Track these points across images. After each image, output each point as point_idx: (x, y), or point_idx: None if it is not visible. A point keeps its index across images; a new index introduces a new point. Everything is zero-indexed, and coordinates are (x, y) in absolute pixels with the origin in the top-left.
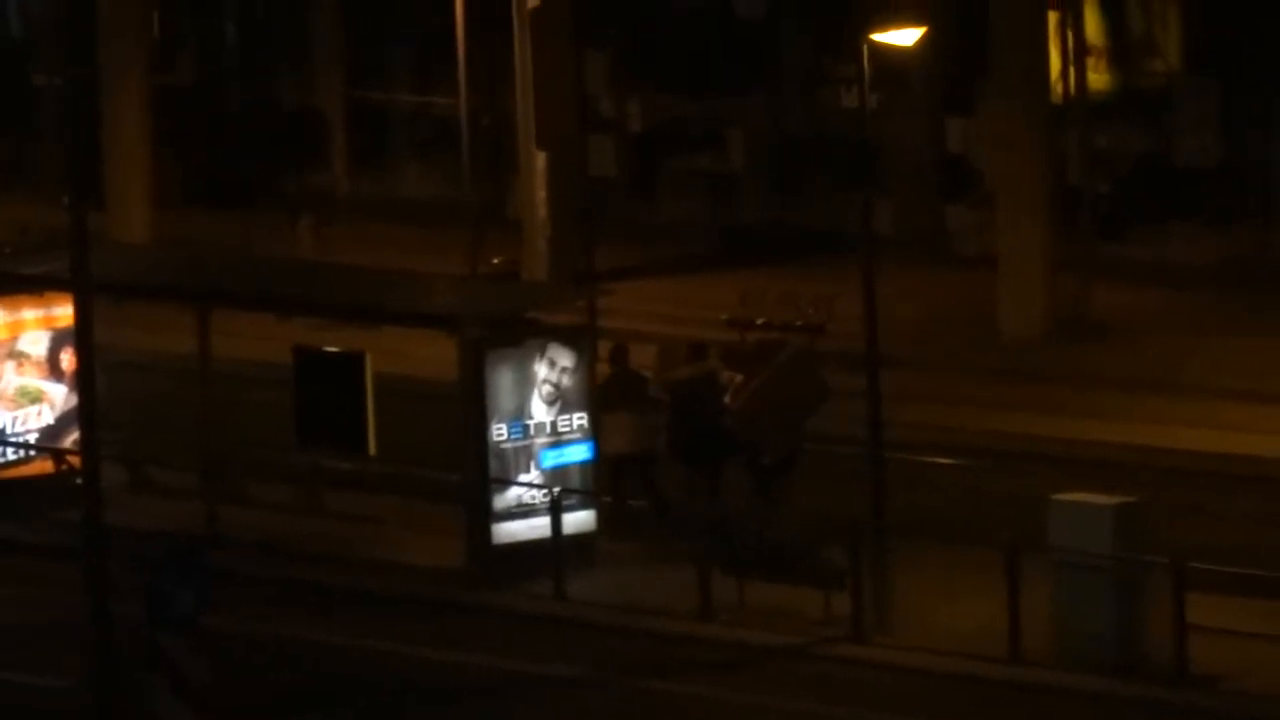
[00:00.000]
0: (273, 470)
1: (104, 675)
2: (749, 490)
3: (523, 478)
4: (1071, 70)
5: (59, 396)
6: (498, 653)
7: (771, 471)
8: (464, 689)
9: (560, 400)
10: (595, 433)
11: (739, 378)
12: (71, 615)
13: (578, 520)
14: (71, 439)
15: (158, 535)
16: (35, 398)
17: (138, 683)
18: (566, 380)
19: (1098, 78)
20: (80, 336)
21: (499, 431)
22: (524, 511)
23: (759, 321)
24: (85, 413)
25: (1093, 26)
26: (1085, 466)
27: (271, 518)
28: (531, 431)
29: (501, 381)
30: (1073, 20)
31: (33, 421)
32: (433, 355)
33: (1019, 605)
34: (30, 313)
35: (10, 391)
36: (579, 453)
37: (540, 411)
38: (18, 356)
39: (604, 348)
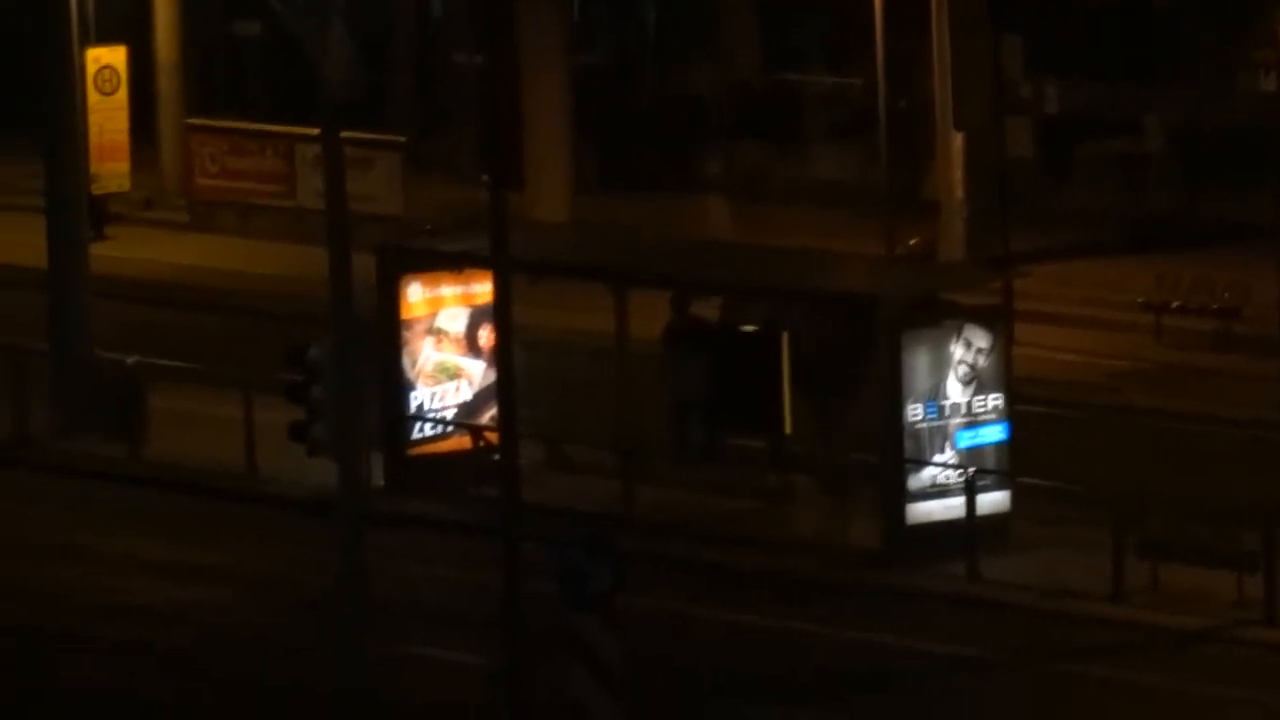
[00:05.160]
0: (688, 449)
1: (517, 653)
2: None
3: (937, 458)
4: None
5: (477, 373)
6: (910, 633)
7: None
8: (876, 669)
9: (976, 381)
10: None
11: None
12: (487, 593)
13: (992, 501)
14: (489, 416)
15: (573, 514)
16: (453, 374)
17: (553, 662)
18: (982, 361)
19: None
20: (499, 314)
21: (914, 412)
22: (938, 492)
23: (1174, 305)
24: (503, 390)
25: None
26: None
27: (686, 497)
28: (947, 412)
29: (917, 362)
30: None
31: (451, 398)
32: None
33: None
34: (449, 290)
35: (429, 367)
36: (994, 433)
37: (955, 392)
38: (436, 333)
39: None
